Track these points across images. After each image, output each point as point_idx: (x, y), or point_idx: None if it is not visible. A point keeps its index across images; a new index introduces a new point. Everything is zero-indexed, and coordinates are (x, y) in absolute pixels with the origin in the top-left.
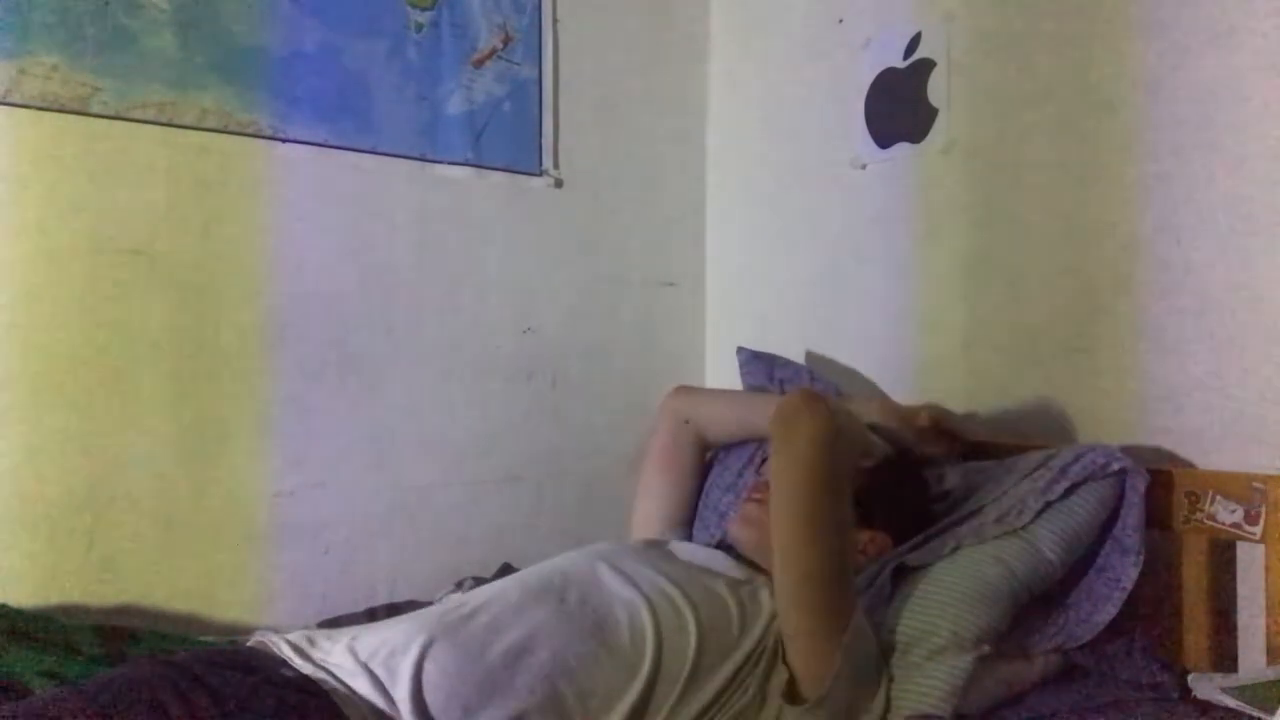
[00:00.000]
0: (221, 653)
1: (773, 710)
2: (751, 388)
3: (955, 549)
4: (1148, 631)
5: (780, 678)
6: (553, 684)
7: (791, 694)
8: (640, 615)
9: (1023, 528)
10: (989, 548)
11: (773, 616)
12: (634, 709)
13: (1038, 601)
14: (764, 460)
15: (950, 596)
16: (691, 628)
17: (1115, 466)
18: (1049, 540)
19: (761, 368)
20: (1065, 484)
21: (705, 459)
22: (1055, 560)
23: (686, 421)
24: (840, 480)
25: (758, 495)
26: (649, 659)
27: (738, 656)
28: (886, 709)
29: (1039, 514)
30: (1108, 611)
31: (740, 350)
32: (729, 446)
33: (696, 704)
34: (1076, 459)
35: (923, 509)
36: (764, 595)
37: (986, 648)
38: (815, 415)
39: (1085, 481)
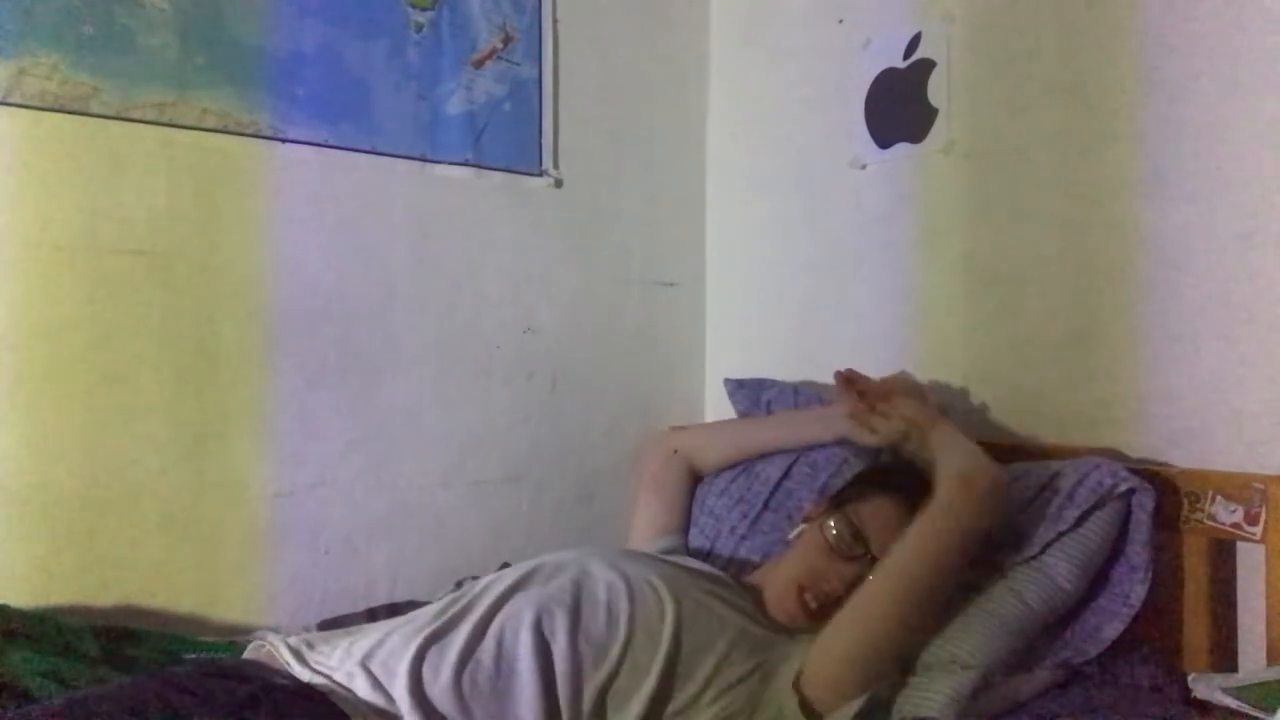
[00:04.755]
0: (217, 664)
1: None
2: (743, 414)
3: (970, 588)
4: (1148, 632)
5: (779, 697)
6: (538, 667)
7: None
8: (619, 600)
9: (1034, 557)
10: (1003, 581)
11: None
12: (601, 688)
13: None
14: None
15: (956, 627)
16: (670, 618)
17: (1123, 488)
18: (1063, 569)
19: (749, 394)
20: (1076, 512)
21: (695, 480)
22: (1069, 589)
23: (675, 451)
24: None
25: (825, 593)
26: (620, 641)
27: (717, 654)
28: None
29: (1050, 544)
30: (1114, 628)
31: (727, 381)
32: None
33: (683, 696)
34: (1081, 480)
35: None
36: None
37: (987, 672)
38: (999, 507)
39: (1096, 508)
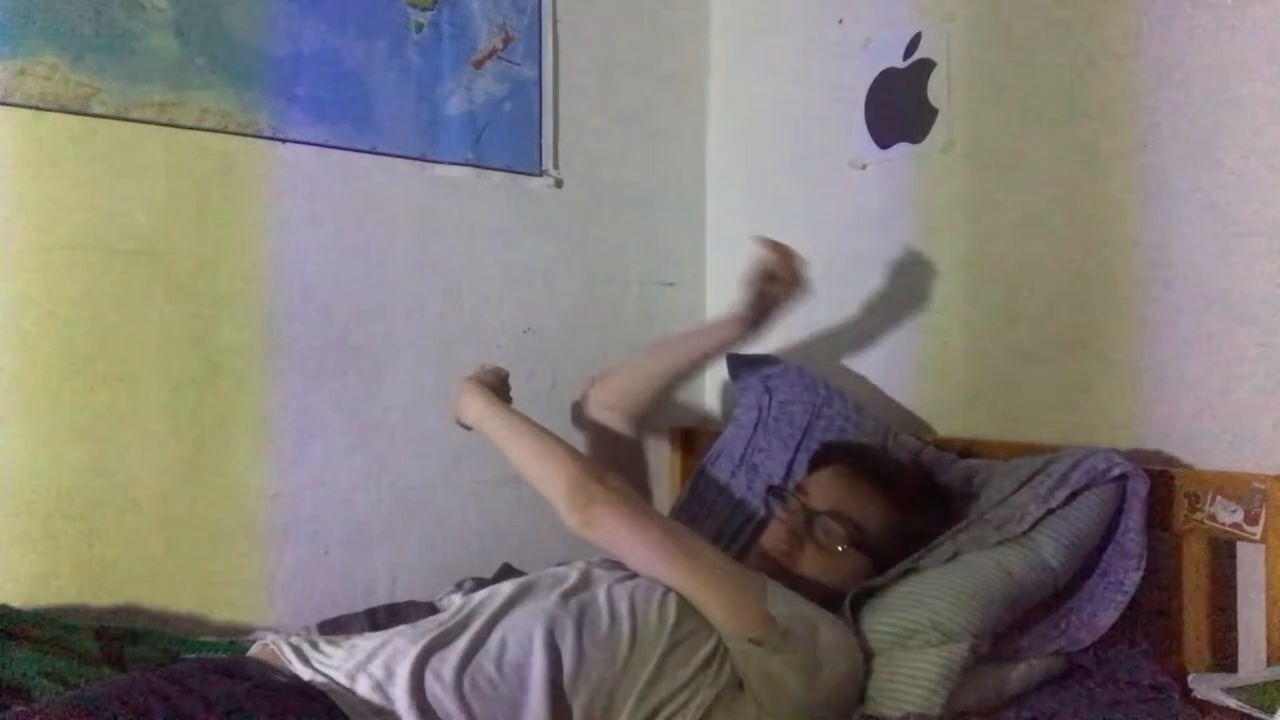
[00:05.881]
0: (216, 661)
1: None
2: (744, 393)
3: (955, 555)
4: (1148, 632)
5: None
6: (544, 674)
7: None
8: (621, 604)
9: (1023, 534)
10: (988, 554)
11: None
12: (609, 693)
13: (1040, 606)
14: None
15: (937, 592)
16: (672, 611)
17: (1115, 472)
18: (1050, 547)
19: (751, 373)
20: (1066, 491)
21: (635, 425)
22: (1057, 567)
23: (610, 408)
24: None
25: (778, 553)
26: (625, 642)
27: (708, 647)
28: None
29: (1039, 521)
30: (1109, 615)
31: (729, 356)
32: (716, 454)
33: (666, 688)
34: (1076, 465)
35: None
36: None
37: (973, 641)
38: (589, 499)
39: (1086, 488)
